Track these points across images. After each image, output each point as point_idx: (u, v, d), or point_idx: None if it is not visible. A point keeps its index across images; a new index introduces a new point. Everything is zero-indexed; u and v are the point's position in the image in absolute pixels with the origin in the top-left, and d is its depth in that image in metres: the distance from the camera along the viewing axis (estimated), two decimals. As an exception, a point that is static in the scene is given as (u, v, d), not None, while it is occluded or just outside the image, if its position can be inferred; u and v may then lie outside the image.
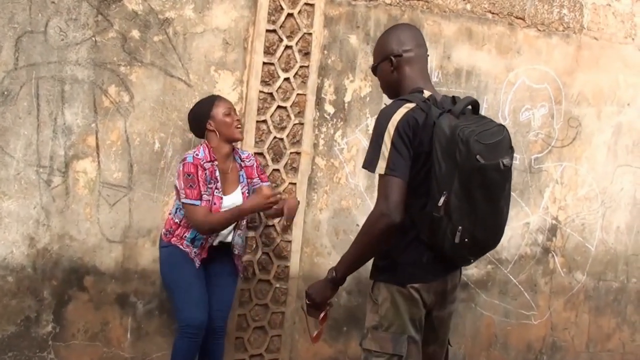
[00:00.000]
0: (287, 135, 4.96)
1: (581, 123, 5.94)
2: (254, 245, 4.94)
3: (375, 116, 4.84)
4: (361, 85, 5.15)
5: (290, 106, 4.95)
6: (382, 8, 5.12)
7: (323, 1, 4.94)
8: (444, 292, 3.20)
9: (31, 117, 4.39)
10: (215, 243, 4.39)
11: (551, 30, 5.71)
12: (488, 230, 3.03)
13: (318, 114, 5.06)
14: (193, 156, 4.24)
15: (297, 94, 4.95)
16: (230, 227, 4.39)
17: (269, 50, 4.84)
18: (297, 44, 4.92)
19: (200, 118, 4.35)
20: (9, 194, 4.38)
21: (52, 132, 4.45)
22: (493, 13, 5.47)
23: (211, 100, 4.38)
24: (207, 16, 4.71)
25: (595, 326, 6.26)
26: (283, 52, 4.89)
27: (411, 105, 3.02)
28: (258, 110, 4.85)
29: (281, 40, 4.87)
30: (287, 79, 4.92)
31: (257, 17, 4.78)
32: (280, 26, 4.86)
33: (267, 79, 4.86)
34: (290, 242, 5.01)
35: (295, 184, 5.02)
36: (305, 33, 4.92)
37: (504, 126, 3.07)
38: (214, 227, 4.23)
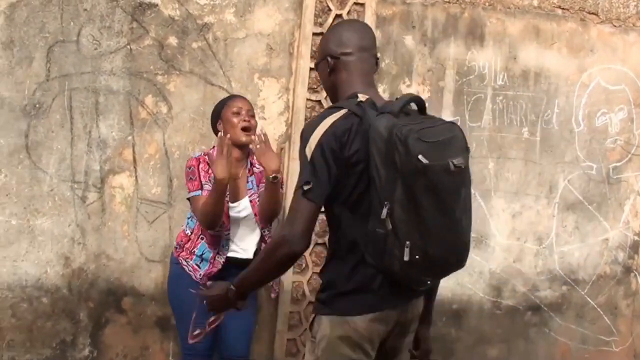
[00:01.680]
0: (338, 146, 4.63)
1: (665, 127, 5.47)
2: (304, 265, 4.65)
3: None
4: (419, 90, 4.83)
5: (341, 114, 4.61)
6: (440, 6, 4.83)
7: (375, 0, 4.67)
8: (404, 322, 2.80)
9: (64, 131, 4.32)
10: (224, 258, 4.01)
11: (628, 26, 5.26)
12: (444, 245, 2.60)
13: (371, 122, 4.71)
14: (200, 154, 3.98)
15: (348, 102, 4.62)
16: (254, 241, 4.05)
17: (316, 55, 4.52)
18: (346, 47, 4.59)
19: (212, 119, 4.08)
20: (42, 212, 4.31)
21: (87, 145, 4.36)
22: (563, 8, 5.09)
23: (225, 100, 4.08)
24: (249, 20, 4.53)
25: (685, 353, 5.77)
26: (332, 58, 4.57)
27: (341, 112, 2.66)
28: (306, 119, 4.60)
29: (329, 43, 4.55)
30: (336, 85, 4.59)
31: (302, 19, 4.56)
32: (328, 28, 4.53)
33: (315, 85, 4.61)
34: (342, 260, 4.66)
35: (347, 197, 4.68)
36: (355, 35, 4.59)
37: (454, 123, 2.72)
38: (208, 211, 3.83)
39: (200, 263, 3.97)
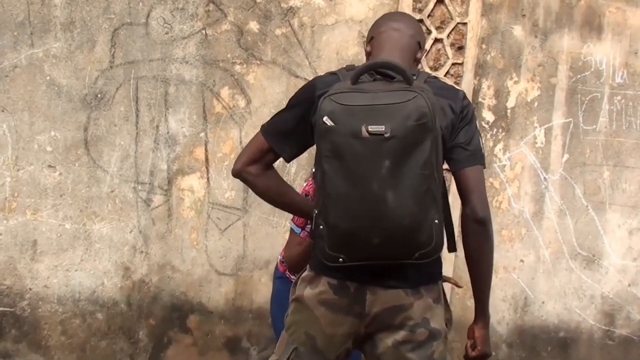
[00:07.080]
0: (437, 148, 4.20)
1: None
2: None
3: (546, 126, 4.41)
4: (527, 87, 4.44)
5: (441, 112, 4.19)
6: (554, -7, 4.45)
7: (481, -15, 4.34)
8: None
9: (129, 124, 4.10)
10: None
11: None
12: (354, 219, 2.45)
13: (474, 122, 4.28)
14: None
15: (449, 98, 4.20)
16: None
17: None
18: (448, 36, 4.29)
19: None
20: (100, 215, 4.17)
21: (153, 142, 4.14)
22: (691, -3, 4.70)
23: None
24: (339, 4, 4.27)
25: None
26: (432, 47, 4.29)
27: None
28: (400, 113, 4.13)
29: (429, 32, 4.26)
30: (436, 79, 4.19)
31: (399, 4, 4.23)
32: (429, 15, 4.26)
33: (412, 77, 4.14)
34: (437, 280, 4.22)
35: (446, 207, 4.26)
36: (458, 23, 4.29)
37: (414, 93, 2.40)
38: (296, 260, 3.54)
39: None
